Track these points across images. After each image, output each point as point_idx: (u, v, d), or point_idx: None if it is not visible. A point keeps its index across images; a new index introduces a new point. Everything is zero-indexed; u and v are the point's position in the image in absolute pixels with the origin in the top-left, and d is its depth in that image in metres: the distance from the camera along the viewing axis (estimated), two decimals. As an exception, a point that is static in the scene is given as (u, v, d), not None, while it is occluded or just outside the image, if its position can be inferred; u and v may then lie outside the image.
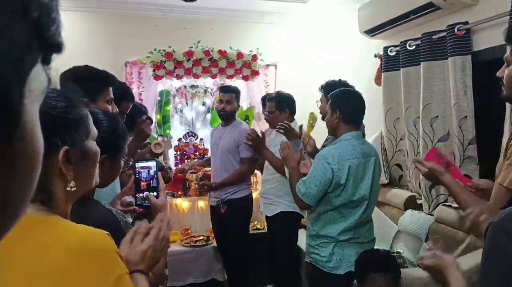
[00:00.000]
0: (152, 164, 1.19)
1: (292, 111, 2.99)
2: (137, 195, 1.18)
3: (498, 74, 1.38)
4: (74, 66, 1.73)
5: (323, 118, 2.73)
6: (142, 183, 1.18)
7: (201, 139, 4.27)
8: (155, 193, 1.17)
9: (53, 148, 0.74)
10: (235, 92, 3.23)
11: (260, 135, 2.88)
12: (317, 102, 2.81)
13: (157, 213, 1.18)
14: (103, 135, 1.10)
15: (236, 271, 3.29)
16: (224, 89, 3.27)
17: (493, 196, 1.35)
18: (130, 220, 1.16)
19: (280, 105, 2.96)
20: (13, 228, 0.66)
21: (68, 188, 0.78)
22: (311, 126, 2.65)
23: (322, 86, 2.77)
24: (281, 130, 2.75)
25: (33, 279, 0.65)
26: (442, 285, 1.15)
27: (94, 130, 0.85)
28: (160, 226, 0.99)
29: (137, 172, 1.18)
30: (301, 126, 2.77)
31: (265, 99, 3.58)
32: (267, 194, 3.02)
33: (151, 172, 1.18)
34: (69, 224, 0.75)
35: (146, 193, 1.16)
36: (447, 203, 2.57)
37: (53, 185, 0.76)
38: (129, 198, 1.29)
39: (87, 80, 1.64)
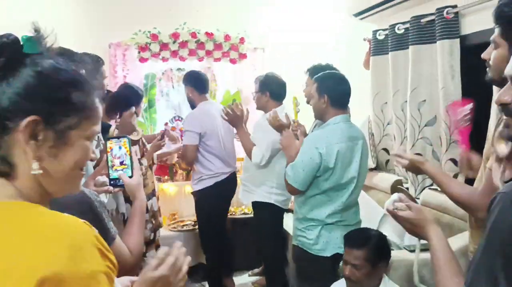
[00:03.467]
0: (124, 140, 1.14)
1: (274, 95, 2.85)
2: (110, 174, 1.13)
3: (483, 55, 1.36)
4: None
5: (307, 102, 2.68)
6: (115, 161, 1.13)
7: (188, 123, 4.21)
8: (129, 171, 1.12)
9: (17, 121, 0.66)
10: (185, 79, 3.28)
11: (239, 112, 2.72)
12: (303, 85, 2.78)
13: (132, 193, 1.15)
14: None
15: (207, 257, 3.30)
16: None
17: (483, 180, 1.35)
18: (104, 200, 1.12)
19: (262, 87, 2.85)
20: None
21: (32, 171, 0.67)
22: (297, 111, 2.60)
23: (308, 69, 2.73)
24: (226, 117, 2.71)
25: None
26: (417, 237, 1.09)
27: (96, 128, 0.75)
28: (177, 255, 0.90)
29: (109, 150, 1.13)
30: (286, 115, 2.70)
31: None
32: (245, 181, 2.99)
33: (124, 150, 1.13)
34: (47, 212, 0.68)
35: (119, 172, 1.11)
36: (433, 187, 2.59)
37: (14, 157, 0.68)
38: (102, 178, 1.24)
39: None
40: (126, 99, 2.60)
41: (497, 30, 1.29)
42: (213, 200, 3.11)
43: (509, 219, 0.73)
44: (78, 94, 0.71)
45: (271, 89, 2.85)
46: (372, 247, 1.77)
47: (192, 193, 3.21)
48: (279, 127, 2.44)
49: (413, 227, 1.08)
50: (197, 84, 3.20)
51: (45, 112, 0.67)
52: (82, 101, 0.71)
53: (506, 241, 0.72)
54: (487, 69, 1.35)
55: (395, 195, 1.15)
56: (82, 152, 0.73)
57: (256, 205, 2.94)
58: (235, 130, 2.95)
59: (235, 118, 2.73)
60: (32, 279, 0.57)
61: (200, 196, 3.16)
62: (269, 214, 2.89)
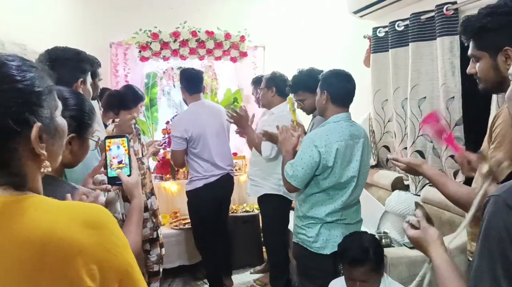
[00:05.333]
0: (123, 139, 1.15)
1: (280, 92, 2.94)
2: (108, 173, 1.14)
3: (468, 71, 1.40)
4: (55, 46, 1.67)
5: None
6: (113, 160, 1.14)
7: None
8: (127, 170, 1.13)
9: (25, 126, 0.69)
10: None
11: (243, 113, 2.81)
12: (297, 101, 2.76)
13: (130, 191, 1.16)
14: (70, 114, 1.07)
15: (202, 257, 3.32)
16: None
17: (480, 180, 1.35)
18: (103, 198, 1.13)
19: (269, 83, 2.95)
20: None
21: (43, 169, 0.74)
22: (294, 110, 2.63)
23: (289, 85, 2.72)
24: (231, 119, 2.77)
25: (38, 254, 0.62)
26: (425, 254, 1.11)
27: (59, 103, 0.80)
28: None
29: (107, 148, 1.14)
30: (277, 126, 2.73)
31: (254, 82, 3.55)
32: (253, 175, 3.02)
33: (123, 148, 1.14)
34: (59, 201, 0.72)
35: (118, 171, 1.12)
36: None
37: (26, 168, 0.71)
38: (101, 176, 1.25)
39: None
40: (123, 98, 2.63)
41: (471, 45, 1.33)
42: (204, 201, 3.07)
43: (502, 220, 0.74)
44: (39, 79, 0.73)
45: (277, 85, 2.93)
46: (373, 257, 1.77)
47: (186, 192, 3.20)
48: (271, 139, 2.53)
49: (418, 247, 1.11)
50: (186, 84, 3.10)
51: (35, 112, 0.71)
52: (50, 85, 0.75)
53: (501, 242, 0.73)
54: (477, 81, 1.38)
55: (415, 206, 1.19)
56: (63, 123, 0.80)
57: (264, 198, 2.96)
58: (232, 130, 3.00)
59: (240, 119, 2.82)
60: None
61: (191, 197, 3.15)
62: (278, 206, 2.93)
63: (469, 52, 1.35)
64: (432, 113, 1.71)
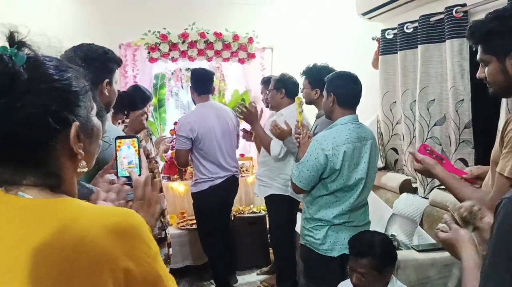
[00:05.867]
0: (133, 140, 1.16)
1: (289, 93, 2.95)
2: (118, 172, 1.15)
3: (478, 76, 1.40)
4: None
5: (307, 102, 2.79)
6: (124, 160, 1.15)
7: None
8: (137, 171, 1.14)
9: (64, 126, 0.69)
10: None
11: (252, 109, 2.83)
12: (300, 87, 2.81)
13: (139, 190, 1.16)
14: None
15: (209, 258, 3.34)
16: None
17: (494, 185, 1.34)
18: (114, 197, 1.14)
19: (278, 84, 2.95)
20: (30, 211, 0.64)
21: (80, 169, 0.74)
22: (300, 111, 2.62)
23: (303, 71, 2.74)
24: (241, 115, 2.78)
25: (70, 259, 0.61)
26: (457, 258, 1.10)
27: (94, 104, 0.80)
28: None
29: (118, 148, 1.15)
30: (285, 122, 2.74)
31: (264, 82, 3.56)
32: (261, 176, 3.02)
33: (133, 149, 1.15)
34: (93, 205, 0.71)
35: (129, 169, 1.13)
36: (442, 187, 2.57)
37: (63, 168, 0.71)
38: (111, 176, 1.26)
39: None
40: (132, 99, 2.64)
41: (479, 49, 1.34)
42: (209, 203, 3.07)
43: None
44: (75, 79, 0.74)
45: (287, 87, 2.94)
46: (377, 254, 1.74)
47: (191, 194, 3.21)
48: (281, 134, 2.53)
49: (448, 247, 1.11)
50: (196, 84, 3.10)
51: (74, 111, 0.71)
52: (80, 85, 0.75)
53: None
54: (487, 85, 1.37)
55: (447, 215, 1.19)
56: (99, 123, 0.81)
57: (272, 198, 2.96)
58: (239, 130, 3.01)
59: (250, 116, 2.83)
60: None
61: (196, 199, 3.15)
62: (285, 207, 2.93)
63: (478, 56, 1.35)
64: (421, 147, 1.69)
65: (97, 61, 1.49)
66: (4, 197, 0.67)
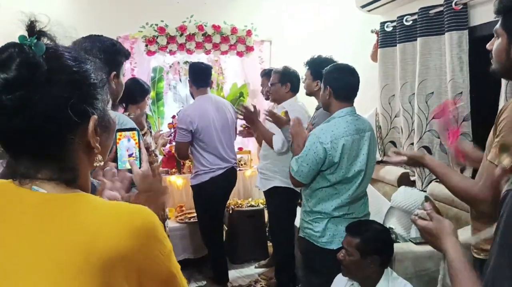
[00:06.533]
0: (133, 132, 1.16)
1: (294, 88, 2.97)
2: (119, 165, 1.15)
3: (488, 46, 1.36)
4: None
5: (308, 94, 2.81)
6: (124, 152, 1.15)
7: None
8: (138, 164, 1.14)
9: (83, 119, 0.68)
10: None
11: (252, 109, 2.86)
12: (301, 78, 2.82)
13: (139, 183, 1.16)
14: None
15: (209, 250, 3.33)
16: None
17: (484, 173, 1.34)
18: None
19: (283, 78, 2.95)
20: (47, 205, 0.64)
21: (96, 163, 0.72)
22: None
23: (307, 62, 2.75)
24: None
25: (84, 256, 0.60)
26: (435, 249, 1.07)
27: (108, 97, 0.79)
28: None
29: (118, 141, 1.15)
30: (286, 112, 2.75)
31: (264, 74, 3.54)
32: (263, 169, 3.03)
33: (133, 141, 1.15)
34: (107, 201, 0.70)
35: (130, 160, 1.13)
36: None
37: (79, 162, 0.70)
38: (111, 169, 1.26)
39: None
40: (130, 93, 2.63)
41: (499, 20, 1.29)
42: (209, 194, 3.10)
43: None
44: (94, 71, 0.72)
45: (292, 81, 2.95)
46: (366, 238, 1.79)
47: (191, 187, 3.23)
48: (278, 121, 2.56)
49: (431, 238, 1.06)
50: (194, 78, 3.13)
51: (92, 104, 0.70)
52: (98, 77, 0.73)
53: None
54: (491, 60, 1.35)
55: (422, 205, 1.14)
56: (114, 117, 0.79)
57: (274, 191, 2.96)
58: (238, 125, 3.03)
59: (251, 115, 2.84)
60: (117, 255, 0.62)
61: (196, 191, 3.17)
62: (287, 199, 2.94)
63: (495, 27, 1.30)
64: (446, 102, 1.68)
65: (106, 53, 1.46)
66: (18, 190, 0.66)
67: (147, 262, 0.65)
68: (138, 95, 2.74)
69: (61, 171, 0.68)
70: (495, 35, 1.31)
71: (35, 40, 0.65)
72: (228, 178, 3.18)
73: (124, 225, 0.64)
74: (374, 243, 1.80)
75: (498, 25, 1.28)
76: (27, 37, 0.66)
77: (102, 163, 0.74)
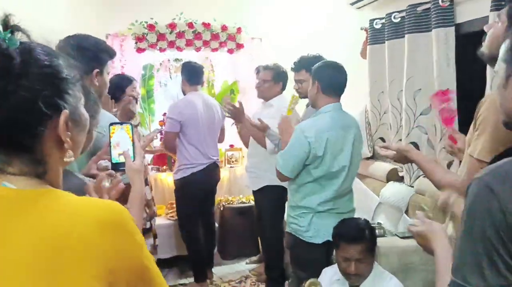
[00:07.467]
0: (127, 126, 1.16)
1: (284, 87, 3.02)
2: (112, 158, 1.15)
3: (485, 27, 1.35)
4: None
5: (304, 96, 2.71)
6: (117, 146, 1.15)
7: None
8: (132, 157, 1.14)
9: (54, 112, 0.69)
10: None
11: (238, 105, 2.81)
12: (297, 81, 2.74)
13: (131, 176, 1.16)
14: None
15: (187, 248, 3.33)
16: None
17: (465, 167, 1.36)
18: (106, 184, 1.13)
19: (277, 77, 2.98)
20: (16, 203, 0.64)
21: (66, 159, 0.73)
22: (291, 109, 2.57)
23: (303, 64, 2.68)
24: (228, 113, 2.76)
25: (54, 253, 0.61)
26: (429, 253, 1.11)
27: (82, 96, 0.79)
28: None
29: (112, 135, 1.15)
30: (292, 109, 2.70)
31: (259, 71, 3.52)
32: (252, 168, 3.03)
33: (127, 135, 1.15)
34: (78, 197, 0.70)
35: (124, 152, 1.13)
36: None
37: (49, 156, 0.70)
38: (104, 162, 1.26)
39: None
40: (117, 84, 2.64)
41: (507, 7, 1.26)
42: (189, 190, 3.15)
43: (484, 203, 0.74)
44: (66, 67, 0.73)
45: (284, 81, 3.00)
46: (368, 237, 1.81)
47: (174, 181, 3.28)
48: (259, 129, 2.55)
49: (422, 241, 1.11)
50: (188, 75, 3.26)
51: (64, 98, 0.71)
52: (70, 73, 0.74)
53: (484, 225, 0.74)
54: (482, 43, 1.34)
55: (417, 213, 1.20)
56: (86, 113, 0.79)
57: (265, 189, 2.96)
58: (228, 123, 3.02)
59: (237, 113, 2.80)
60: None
61: (177, 186, 3.23)
62: (278, 197, 2.93)
63: (501, 10, 1.29)
64: (446, 91, 1.69)
65: (89, 51, 1.52)
66: None
67: (119, 256, 0.65)
68: (125, 85, 2.74)
69: (31, 163, 0.68)
70: (497, 18, 1.30)
71: (9, 34, 0.67)
72: (210, 173, 3.24)
73: (95, 220, 0.64)
74: (373, 235, 1.86)
75: (504, 10, 1.27)
76: (1, 31, 0.67)
77: (72, 159, 0.74)
